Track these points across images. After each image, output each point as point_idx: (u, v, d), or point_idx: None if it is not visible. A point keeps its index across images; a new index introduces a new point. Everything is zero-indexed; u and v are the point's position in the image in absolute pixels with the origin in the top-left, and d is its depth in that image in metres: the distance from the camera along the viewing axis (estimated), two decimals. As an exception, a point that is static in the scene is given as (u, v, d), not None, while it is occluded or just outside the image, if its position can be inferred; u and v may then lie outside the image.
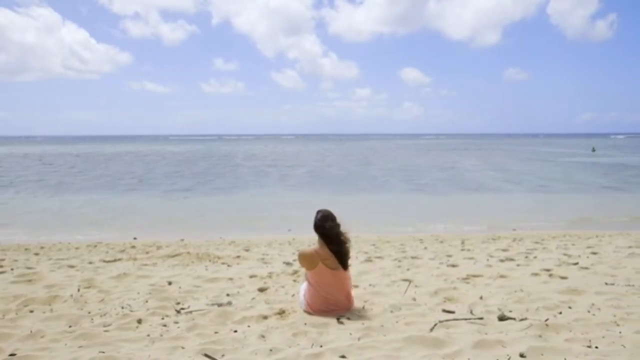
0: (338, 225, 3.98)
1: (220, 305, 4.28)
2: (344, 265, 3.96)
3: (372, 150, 64.66)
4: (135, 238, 11.06)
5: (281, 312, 4.00)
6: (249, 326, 3.65)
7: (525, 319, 3.67)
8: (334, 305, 3.94)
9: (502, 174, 28.04)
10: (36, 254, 8.37)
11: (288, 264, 6.65)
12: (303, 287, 4.17)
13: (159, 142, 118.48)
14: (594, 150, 56.12)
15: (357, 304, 4.28)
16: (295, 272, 5.85)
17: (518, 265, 6.42)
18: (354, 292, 4.70)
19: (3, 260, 7.35)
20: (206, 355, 2.90)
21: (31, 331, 3.42)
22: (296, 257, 4.89)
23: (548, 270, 5.89)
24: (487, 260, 6.95)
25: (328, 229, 3.93)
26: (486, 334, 3.31)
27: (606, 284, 5.00)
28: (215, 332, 3.48)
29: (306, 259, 3.98)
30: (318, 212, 4.07)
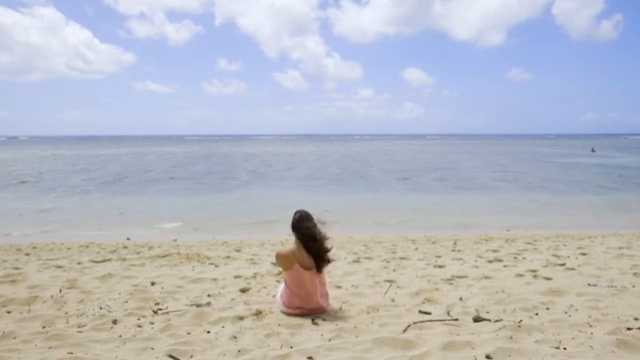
0: (315, 226, 3.97)
1: (199, 305, 4.28)
2: (319, 266, 3.95)
3: (372, 151, 64.66)
4: (128, 238, 11.08)
5: (258, 313, 3.99)
6: (223, 327, 3.65)
7: (500, 320, 3.66)
8: (309, 305, 3.93)
9: (501, 174, 28.01)
10: (27, 254, 8.39)
11: (275, 264, 6.64)
12: (280, 287, 4.17)
13: (161, 143, 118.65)
14: (593, 150, 56.03)
15: (336, 304, 4.28)
16: (280, 272, 5.84)
17: (505, 266, 6.41)
18: (333, 293, 4.70)
19: (-8, 260, 7.37)
20: (171, 357, 2.90)
21: (3, 332, 3.42)
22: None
23: (534, 271, 5.88)
24: (475, 261, 6.94)
25: (304, 230, 3.93)
26: (458, 335, 3.30)
27: (589, 284, 4.99)
28: (188, 333, 3.48)
29: (282, 259, 3.98)
30: (296, 212, 4.07)
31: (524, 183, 23.41)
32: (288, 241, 10.51)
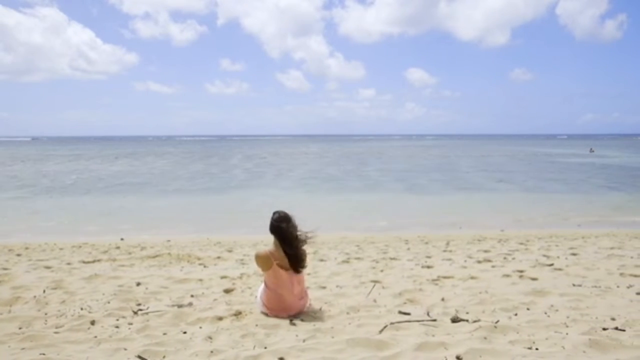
0: (294, 227, 3.97)
1: (180, 306, 4.28)
2: (298, 267, 3.95)
3: (372, 151, 64.66)
4: (122, 239, 11.07)
5: (237, 314, 3.99)
6: (200, 327, 3.64)
7: (479, 320, 3.64)
8: (288, 306, 3.93)
9: (498, 175, 27.97)
10: (18, 255, 8.39)
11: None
12: (261, 288, 4.17)
13: (162, 144, 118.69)
14: (592, 151, 55.96)
15: (317, 305, 4.27)
16: (267, 273, 5.83)
17: (493, 266, 6.40)
18: (317, 294, 4.69)
19: (-18, 261, 7.36)
20: (139, 357, 2.89)
21: (-21, 333, 3.42)
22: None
23: (521, 271, 5.87)
24: (465, 261, 6.92)
25: (283, 231, 3.92)
26: (433, 335, 3.29)
27: (573, 285, 4.98)
28: (164, 334, 3.47)
29: (261, 259, 3.97)
30: (274, 213, 4.06)
31: (520, 183, 23.41)
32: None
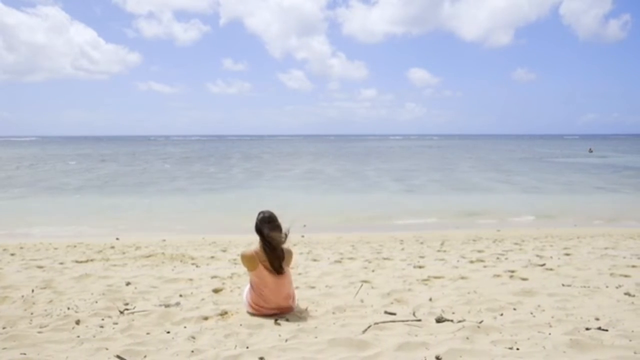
0: (278, 227, 3.96)
1: (167, 306, 4.27)
2: (280, 267, 3.94)
3: (371, 151, 64.66)
4: (117, 239, 11.08)
5: (223, 314, 3.99)
6: (184, 327, 3.64)
7: (463, 320, 3.64)
8: (274, 306, 3.92)
9: (496, 175, 27.95)
10: (12, 254, 8.39)
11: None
12: (246, 288, 4.17)
13: (163, 143, 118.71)
14: (590, 151, 55.85)
15: (304, 305, 4.27)
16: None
17: (485, 266, 6.39)
18: (305, 294, 4.69)
19: (-25, 260, 7.37)
20: (119, 357, 2.89)
21: (-39, 333, 3.42)
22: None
23: (512, 271, 5.86)
24: (458, 261, 6.91)
25: (267, 231, 3.92)
26: (416, 335, 3.28)
27: (563, 285, 4.97)
28: (147, 334, 3.47)
29: (246, 259, 3.97)
30: (259, 213, 4.06)
31: (518, 183, 23.40)
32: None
